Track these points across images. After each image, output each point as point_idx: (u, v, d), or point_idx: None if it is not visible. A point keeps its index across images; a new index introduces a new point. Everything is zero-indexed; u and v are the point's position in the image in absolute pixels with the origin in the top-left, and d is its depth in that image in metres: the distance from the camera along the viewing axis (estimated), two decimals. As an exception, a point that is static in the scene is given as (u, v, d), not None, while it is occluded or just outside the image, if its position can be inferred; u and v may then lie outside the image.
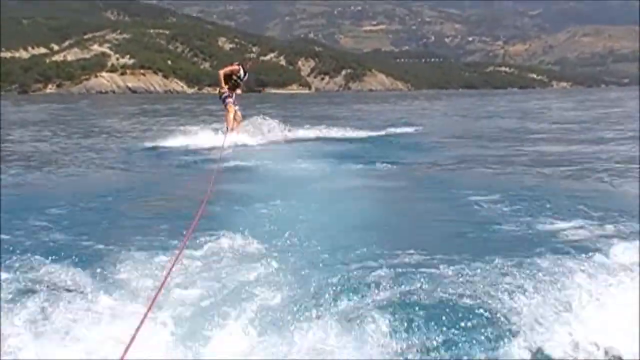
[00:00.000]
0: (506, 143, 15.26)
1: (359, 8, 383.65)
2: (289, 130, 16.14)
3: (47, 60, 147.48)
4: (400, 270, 4.13)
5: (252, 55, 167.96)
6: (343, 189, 8.57)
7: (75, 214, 6.61)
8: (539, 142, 15.23)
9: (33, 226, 5.86)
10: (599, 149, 13.16)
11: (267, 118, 16.71)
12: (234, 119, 14.58)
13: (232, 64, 15.23)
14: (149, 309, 2.87)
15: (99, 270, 4.17)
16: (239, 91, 14.89)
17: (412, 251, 4.73)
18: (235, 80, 14.67)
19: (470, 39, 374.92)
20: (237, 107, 14.77)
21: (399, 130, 18.79)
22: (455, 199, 7.43)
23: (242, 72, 14.77)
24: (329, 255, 4.67)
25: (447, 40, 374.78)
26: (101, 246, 5.04)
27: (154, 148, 13.68)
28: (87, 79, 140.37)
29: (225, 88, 14.54)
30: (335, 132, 16.89)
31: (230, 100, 14.49)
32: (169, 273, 3.35)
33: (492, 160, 11.64)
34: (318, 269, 4.30)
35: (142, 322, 2.67)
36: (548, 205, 6.57)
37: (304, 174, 9.87)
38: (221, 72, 14.95)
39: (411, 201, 7.79)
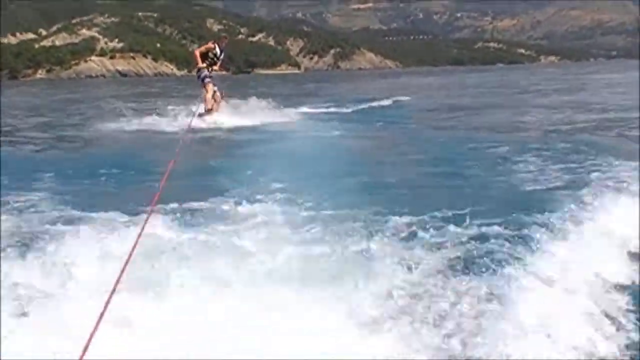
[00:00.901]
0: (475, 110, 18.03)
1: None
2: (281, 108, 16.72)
3: (36, 46, 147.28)
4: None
5: (241, 36, 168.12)
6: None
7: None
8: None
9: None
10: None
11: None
12: (214, 99, 14.78)
13: (207, 42, 16.20)
14: (115, 287, 2.66)
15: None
16: (215, 67, 15.01)
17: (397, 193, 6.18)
18: (212, 58, 14.99)
19: (459, 15, 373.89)
20: (216, 88, 14.99)
21: (387, 102, 21.23)
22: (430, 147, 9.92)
23: (217, 49, 15.12)
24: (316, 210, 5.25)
25: (435, 17, 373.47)
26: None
27: (135, 129, 13.77)
28: (76, 64, 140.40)
29: (203, 65, 14.74)
30: (330, 108, 18.76)
31: (208, 79, 14.67)
32: (134, 247, 3.16)
33: (458, 123, 14.37)
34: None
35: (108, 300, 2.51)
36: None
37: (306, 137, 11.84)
38: (197, 51, 15.57)
39: (394, 151, 9.94)
